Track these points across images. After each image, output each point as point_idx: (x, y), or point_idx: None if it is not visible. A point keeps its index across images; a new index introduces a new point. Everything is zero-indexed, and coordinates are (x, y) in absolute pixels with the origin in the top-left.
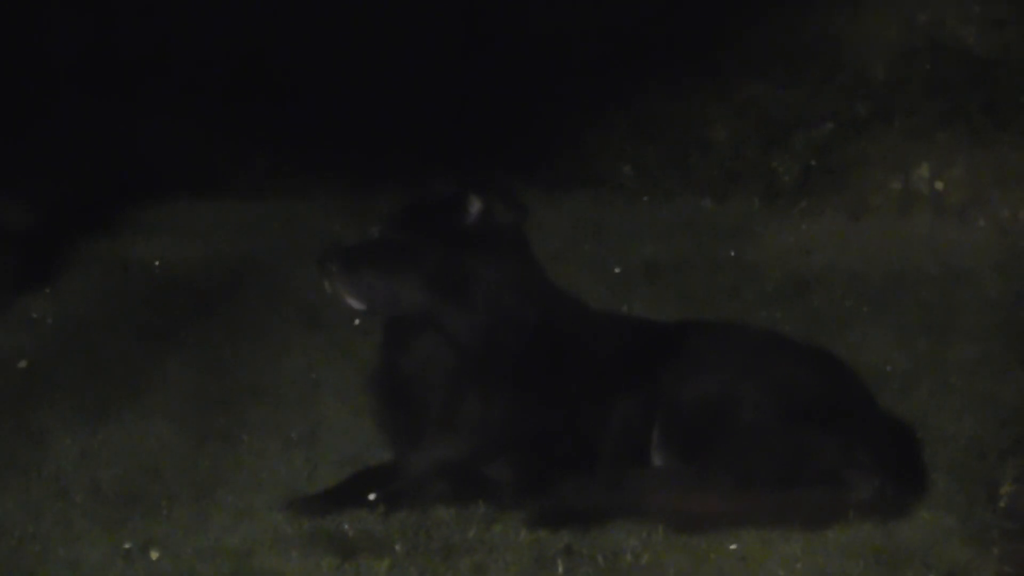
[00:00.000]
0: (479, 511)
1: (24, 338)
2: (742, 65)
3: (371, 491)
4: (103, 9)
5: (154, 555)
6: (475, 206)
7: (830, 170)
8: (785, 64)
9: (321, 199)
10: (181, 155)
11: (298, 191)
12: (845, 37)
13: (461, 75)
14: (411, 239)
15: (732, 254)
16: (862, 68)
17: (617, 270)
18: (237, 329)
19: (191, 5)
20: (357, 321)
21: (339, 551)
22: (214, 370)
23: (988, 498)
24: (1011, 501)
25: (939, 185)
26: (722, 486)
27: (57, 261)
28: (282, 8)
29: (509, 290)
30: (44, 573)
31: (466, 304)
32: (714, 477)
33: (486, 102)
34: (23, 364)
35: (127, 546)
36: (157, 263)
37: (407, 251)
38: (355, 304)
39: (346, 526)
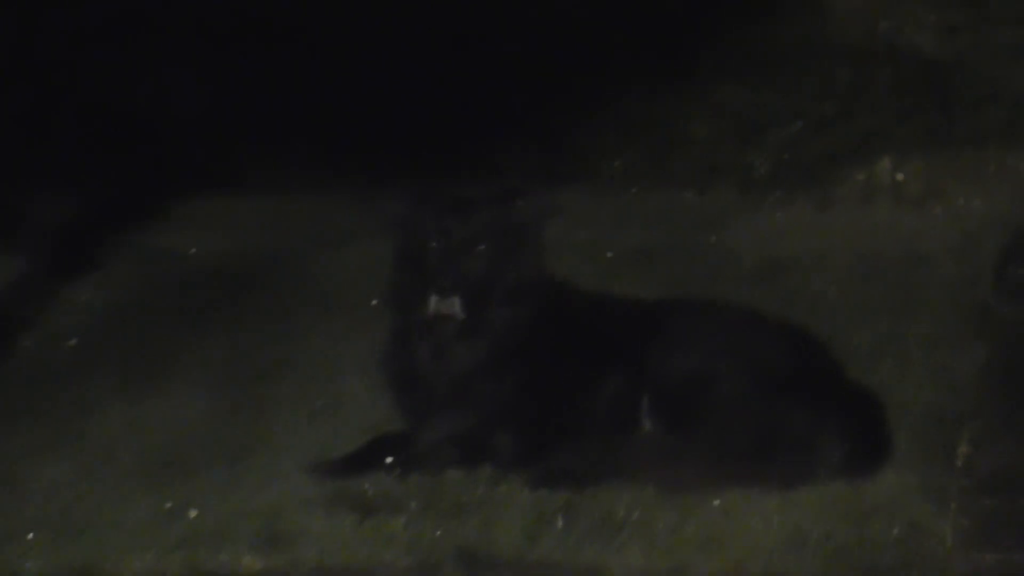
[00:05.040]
0: (486, 473)
1: (74, 319)
2: (720, 69)
3: (388, 456)
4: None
5: (192, 514)
6: (516, 206)
7: (800, 164)
8: (759, 68)
9: (338, 195)
10: (215, 156)
11: (317, 187)
12: (813, 43)
13: (468, 84)
14: (464, 240)
15: (712, 240)
16: (828, 71)
17: (609, 255)
18: (265, 312)
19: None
20: (374, 302)
21: (360, 509)
22: (244, 348)
23: (946, 459)
24: (966, 461)
25: (899, 177)
26: (705, 451)
27: (104, 251)
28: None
29: (521, 280)
30: (93, 531)
31: (484, 294)
32: (698, 443)
33: (490, 108)
34: (73, 342)
35: (168, 506)
36: (193, 252)
37: (460, 261)
38: (458, 314)
39: (366, 487)
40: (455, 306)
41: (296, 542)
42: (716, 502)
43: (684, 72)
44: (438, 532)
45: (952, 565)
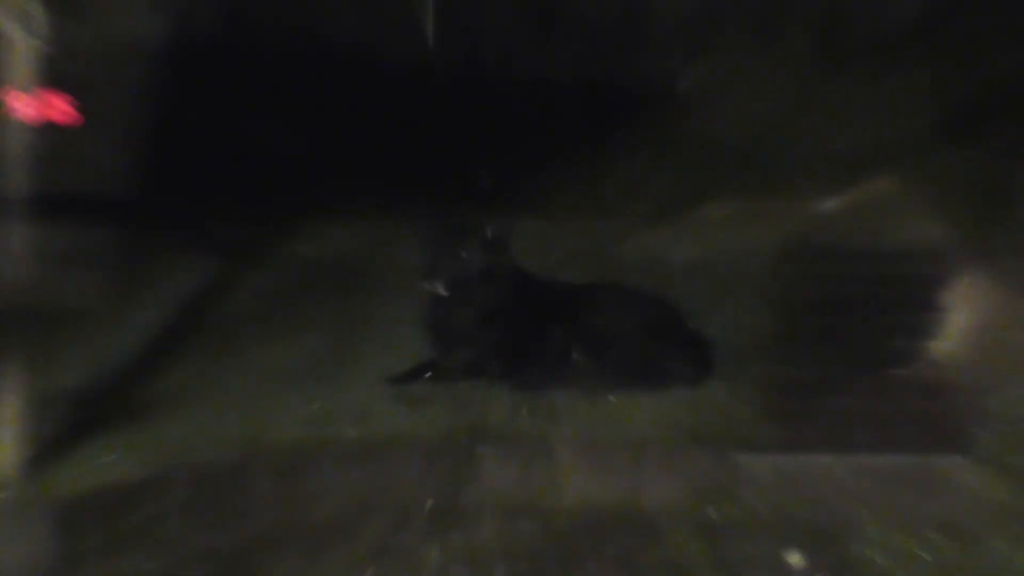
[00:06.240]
0: (482, 384)
1: (238, 298)
2: (624, 147)
3: (426, 373)
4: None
5: (316, 405)
6: (492, 229)
7: (668, 204)
8: (653, 148)
9: (387, 217)
10: (320, 194)
11: (376, 213)
12: (676, 134)
13: (462, 148)
14: (458, 251)
15: (617, 249)
16: (682, 151)
17: (554, 257)
18: (351, 289)
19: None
20: (440, 289)
21: (410, 403)
22: (341, 311)
23: (751, 378)
24: (765, 378)
25: (724, 213)
26: (610, 371)
27: (255, 257)
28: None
29: (502, 272)
30: (256, 415)
31: (482, 283)
32: (606, 366)
33: (473, 163)
34: (251, 307)
35: (300, 399)
36: (310, 255)
37: (460, 260)
38: (441, 291)
39: (414, 390)
40: (440, 289)
41: (375, 421)
42: (613, 399)
43: (601, 146)
44: (455, 417)
45: (758, 442)
